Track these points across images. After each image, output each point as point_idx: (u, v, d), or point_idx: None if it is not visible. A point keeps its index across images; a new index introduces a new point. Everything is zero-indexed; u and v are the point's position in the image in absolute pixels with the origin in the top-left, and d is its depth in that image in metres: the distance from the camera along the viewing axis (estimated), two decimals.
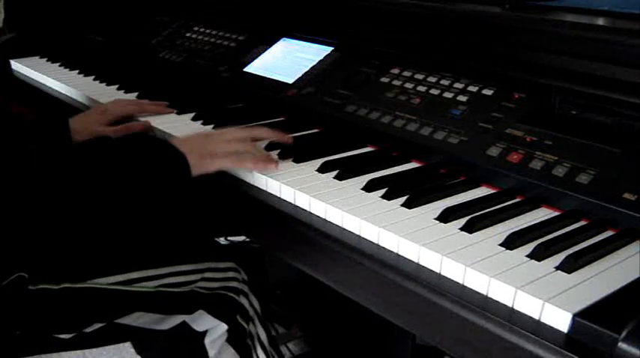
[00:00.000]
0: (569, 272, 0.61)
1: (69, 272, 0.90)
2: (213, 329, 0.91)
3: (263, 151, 0.90)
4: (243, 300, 0.97)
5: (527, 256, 0.64)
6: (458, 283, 0.62)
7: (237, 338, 0.93)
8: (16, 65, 1.59)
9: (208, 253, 1.03)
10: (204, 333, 0.90)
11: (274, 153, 0.91)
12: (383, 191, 0.79)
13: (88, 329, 0.86)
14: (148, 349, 0.86)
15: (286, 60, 1.21)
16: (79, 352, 0.84)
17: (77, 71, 1.50)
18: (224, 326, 0.91)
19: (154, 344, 0.87)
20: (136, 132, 1.07)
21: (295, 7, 1.30)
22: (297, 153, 0.90)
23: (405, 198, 0.76)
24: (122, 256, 0.96)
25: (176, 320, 0.91)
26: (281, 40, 1.27)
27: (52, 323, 0.86)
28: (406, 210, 0.75)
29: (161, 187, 0.82)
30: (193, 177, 0.84)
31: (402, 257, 0.67)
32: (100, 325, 0.87)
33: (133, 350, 0.85)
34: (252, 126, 0.97)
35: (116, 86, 1.35)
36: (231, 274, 1.00)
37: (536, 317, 0.56)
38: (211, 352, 0.90)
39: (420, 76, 1.00)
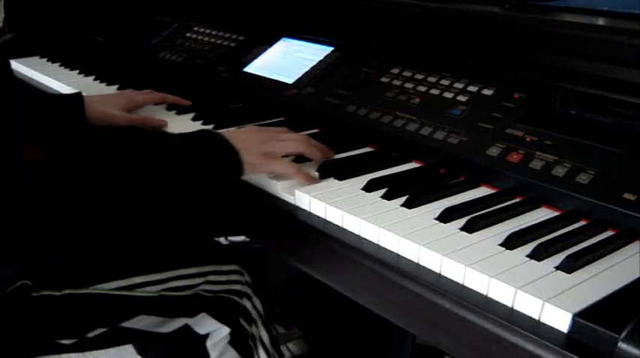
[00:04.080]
0: (569, 272, 0.61)
1: (71, 278, 0.89)
2: (216, 332, 0.91)
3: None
4: (246, 303, 0.96)
5: (527, 256, 0.64)
6: (458, 283, 0.62)
7: (239, 340, 0.93)
8: (16, 65, 1.59)
9: (211, 255, 1.03)
10: (206, 336, 0.90)
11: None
12: (383, 191, 0.79)
13: (91, 334, 0.86)
14: (150, 351, 0.86)
15: (286, 60, 1.21)
16: (79, 354, 0.83)
17: (77, 71, 1.50)
18: (226, 329, 0.91)
19: (155, 347, 0.87)
20: (156, 128, 1.07)
21: (295, 7, 1.30)
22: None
23: (405, 198, 0.76)
24: (125, 261, 0.95)
25: (178, 323, 0.90)
26: (281, 40, 1.27)
27: (55, 329, 0.86)
28: (406, 210, 0.75)
29: (208, 187, 0.78)
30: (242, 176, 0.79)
31: (402, 257, 0.67)
32: (102, 330, 0.86)
33: (134, 351, 0.85)
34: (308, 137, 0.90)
35: (116, 86, 1.35)
36: (234, 277, 1.00)
37: (536, 317, 0.56)
38: (213, 354, 0.90)
39: (420, 76, 1.00)
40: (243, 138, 0.81)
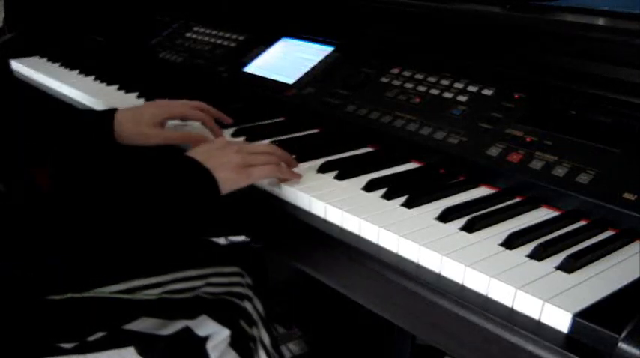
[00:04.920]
0: (569, 272, 0.61)
1: (72, 280, 0.89)
2: (216, 334, 0.91)
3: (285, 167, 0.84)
4: (246, 305, 0.96)
5: (527, 256, 0.64)
6: (458, 283, 0.62)
7: (239, 342, 0.92)
8: (16, 65, 1.59)
9: (212, 257, 1.02)
10: (206, 338, 0.90)
11: None
12: (383, 191, 0.79)
13: (91, 337, 0.86)
14: (150, 353, 0.86)
15: (286, 60, 1.21)
16: (80, 356, 0.83)
17: (77, 71, 1.50)
18: (227, 331, 0.91)
19: (155, 348, 0.87)
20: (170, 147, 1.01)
21: (295, 7, 1.30)
22: (298, 153, 0.90)
23: (404, 198, 0.76)
24: (126, 264, 0.94)
25: (179, 325, 0.90)
26: (281, 40, 1.27)
27: (56, 333, 0.85)
28: (406, 210, 0.75)
29: (186, 210, 0.74)
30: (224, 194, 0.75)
31: (402, 257, 0.67)
32: (103, 333, 0.86)
33: (134, 352, 0.85)
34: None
35: (116, 86, 1.35)
36: (235, 279, 0.99)
37: (536, 317, 0.56)
38: (213, 355, 0.89)
39: (420, 76, 1.00)
40: (214, 154, 0.77)
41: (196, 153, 0.78)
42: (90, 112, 1.07)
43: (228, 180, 0.76)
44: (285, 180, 0.82)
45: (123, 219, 0.70)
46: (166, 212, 0.73)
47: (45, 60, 1.65)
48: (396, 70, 1.04)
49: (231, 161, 0.77)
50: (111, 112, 1.00)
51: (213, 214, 0.80)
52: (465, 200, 0.77)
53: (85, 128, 1.00)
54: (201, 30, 1.47)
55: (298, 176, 0.83)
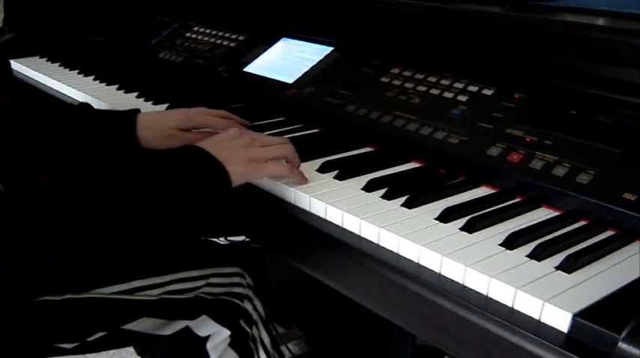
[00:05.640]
0: (569, 272, 0.61)
1: (71, 280, 0.88)
2: (216, 334, 0.91)
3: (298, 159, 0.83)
4: (247, 305, 0.96)
5: (527, 256, 0.64)
6: (458, 283, 0.62)
7: (239, 342, 0.93)
8: (16, 65, 1.59)
9: (212, 257, 1.02)
10: (206, 338, 0.90)
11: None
12: (383, 191, 0.79)
13: (91, 338, 0.86)
14: (150, 352, 0.86)
15: (286, 60, 1.21)
16: (81, 357, 0.83)
17: (77, 71, 1.50)
18: (227, 332, 0.91)
19: (155, 348, 0.87)
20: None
21: (295, 7, 1.30)
22: (298, 153, 0.90)
23: (405, 198, 0.76)
24: (125, 264, 0.94)
25: (179, 325, 0.90)
26: (281, 40, 1.27)
27: (56, 334, 0.85)
28: (406, 210, 0.75)
29: (195, 203, 0.73)
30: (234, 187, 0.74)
31: (402, 257, 0.67)
32: (103, 333, 0.86)
33: (134, 352, 0.85)
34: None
35: (116, 86, 1.35)
36: (236, 279, 0.99)
37: (536, 317, 0.56)
38: (213, 356, 0.90)
39: (420, 76, 1.00)
40: (226, 146, 0.76)
41: (208, 145, 0.76)
42: (107, 115, 1.05)
43: (240, 174, 0.75)
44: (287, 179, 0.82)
45: (131, 212, 0.69)
46: (177, 205, 0.72)
47: (45, 60, 1.65)
48: (396, 70, 1.04)
49: (243, 154, 0.76)
50: (131, 116, 0.98)
51: (217, 209, 0.79)
52: (465, 200, 0.77)
53: (105, 131, 0.98)
54: (201, 30, 1.47)
55: (306, 180, 0.81)
